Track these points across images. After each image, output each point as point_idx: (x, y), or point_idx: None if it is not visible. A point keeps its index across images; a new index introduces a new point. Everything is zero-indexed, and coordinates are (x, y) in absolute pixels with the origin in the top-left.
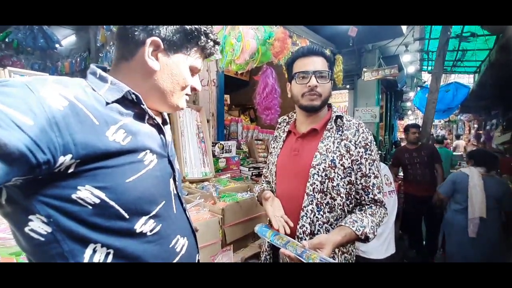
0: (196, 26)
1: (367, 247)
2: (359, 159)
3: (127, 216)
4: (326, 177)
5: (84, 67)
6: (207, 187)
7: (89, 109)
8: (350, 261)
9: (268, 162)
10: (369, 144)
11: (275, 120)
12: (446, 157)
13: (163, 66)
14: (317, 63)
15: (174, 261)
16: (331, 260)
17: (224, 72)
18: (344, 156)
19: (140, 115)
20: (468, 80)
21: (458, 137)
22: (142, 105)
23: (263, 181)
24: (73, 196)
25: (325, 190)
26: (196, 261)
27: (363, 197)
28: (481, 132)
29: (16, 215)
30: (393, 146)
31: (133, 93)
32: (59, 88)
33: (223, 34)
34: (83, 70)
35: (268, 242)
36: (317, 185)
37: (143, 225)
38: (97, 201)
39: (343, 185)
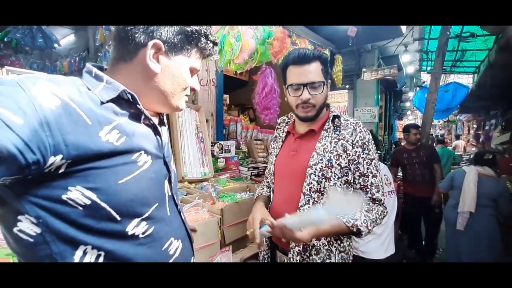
0: (197, 28)
1: (367, 248)
2: (356, 159)
3: (119, 218)
4: (323, 177)
5: (83, 67)
6: (206, 187)
7: (82, 109)
8: (347, 260)
9: (268, 163)
10: (366, 143)
11: (275, 120)
12: (448, 157)
13: (164, 68)
14: (310, 73)
15: None
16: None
17: (223, 71)
18: (341, 156)
19: (136, 115)
20: (467, 80)
21: (457, 137)
22: (138, 105)
23: (264, 184)
24: (64, 197)
25: (322, 189)
26: None
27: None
28: (480, 132)
29: (4, 215)
30: (394, 146)
31: (129, 93)
32: (51, 87)
33: (222, 33)
34: (82, 69)
35: (266, 241)
36: (314, 185)
37: (135, 227)
38: (88, 202)
39: (340, 184)
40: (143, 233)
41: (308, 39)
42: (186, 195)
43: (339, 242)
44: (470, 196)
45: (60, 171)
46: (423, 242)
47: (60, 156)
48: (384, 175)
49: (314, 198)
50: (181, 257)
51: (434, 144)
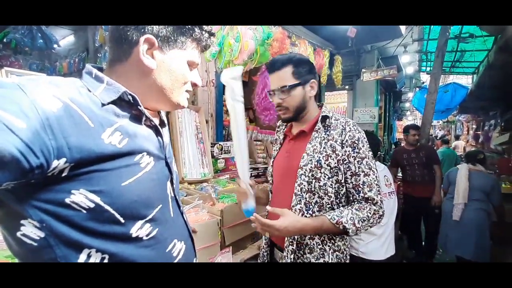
0: None
1: (367, 249)
2: (346, 158)
3: (123, 221)
4: (313, 177)
5: (82, 67)
6: (206, 188)
7: (84, 111)
8: (343, 260)
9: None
10: (356, 142)
11: (274, 120)
12: (452, 158)
13: (160, 63)
14: (279, 79)
15: None
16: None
17: None
18: (330, 156)
19: (137, 117)
20: (466, 80)
21: (457, 137)
22: (139, 106)
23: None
24: (67, 200)
25: (312, 189)
26: None
27: (354, 196)
28: (479, 132)
29: (7, 219)
30: (393, 147)
31: (130, 94)
32: (52, 89)
33: (222, 34)
34: (82, 70)
35: (265, 240)
36: (304, 185)
37: (139, 229)
38: (92, 205)
39: (330, 184)
40: (147, 235)
41: (308, 40)
42: (186, 196)
43: (332, 241)
44: (463, 188)
45: (63, 174)
46: (423, 243)
47: (64, 159)
48: (385, 176)
49: (306, 198)
50: (184, 259)
51: (436, 145)
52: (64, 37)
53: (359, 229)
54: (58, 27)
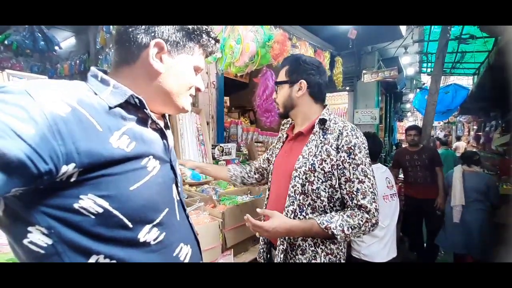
0: (198, 26)
1: (369, 251)
2: (341, 164)
3: (131, 225)
4: (306, 180)
5: (83, 69)
6: (207, 190)
7: (92, 115)
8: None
9: (264, 156)
10: (352, 148)
11: (275, 122)
12: (450, 160)
13: (168, 67)
14: (279, 75)
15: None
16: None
17: (224, 74)
18: (325, 161)
19: (143, 120)
20: (467, 82)
21: (458, 138)
22: (145, 110)
23: (246, 165)
24: (75, 206)
25: (306, 192)
26: None
27: (348, 202)
28: (480, 133)
29: (14, 226)
30: (394, 148)
31: (137, 97)
32: (60, 93)
33: (223, 36)
34: (83, 72)
35: (263, 239)
36: (298, 187)
37: (147, 234)
38: (100, 210)
39: (324, 188)
40: (154, 240)
41: (308, 41)
42: (187, 198)
43: (325, 244)
44: (458, 190)
45: (72, 179)
46: (425, 245)
47: (73, 164)
48: (386, 177)
49: (299, 200)
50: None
51: (435, 146)
52: (65, 39)
53: (348, 236)
54: (59, 29)
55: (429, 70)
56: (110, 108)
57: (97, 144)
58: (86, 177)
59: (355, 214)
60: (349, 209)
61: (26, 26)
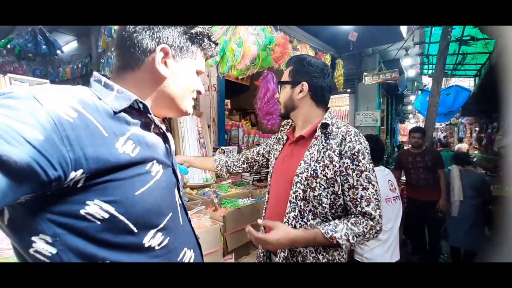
0: (200, 30)
1: (372, 254)
2: (344, 170)
3: (136, 230)
4: (308, 186)
5: (85, 73)
6: (208, 193)
7: (98, 120)
8: None
9: (259, 150)
10: (356, 154)
11: (277, 124)
12: (450, 161)
13: (172, 72)
14: (284, 75)
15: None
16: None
17: (225, 77)
18: (328, 167)
19: (146, 124)
20: (468, 83)
21: (460, 140)
22: (149, 114)
23: (232, 155)
24: (82, 212)
25: (307, 198)
26: None
27: (352, 209)
28: (482, 135)
29: (19, 235)
30: (396, 150)
31: (141, 102)
32: (67, 99)
33: (224, 39)
34: (85, 76)
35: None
36: (299, 193)
37: (151, 238)
38: (106, 215)
39: (326, 195)
40: (159, 245)
41: (309, 44)
42: (188, 201)
43: (327, 251)
44: (456, 187)
45: (79, 185)
46: (427, 247)
47: (81, 170)
48: (389, 180)
49: (300, 206)
50: None
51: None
52: (67, 43)
53: (353, 244)
54: (61, 33)
55: (430, 72)
56: (115, 113)
57: (103, 150)
58: (92, 183)
59: (359, 221)
60: (353, 216)
61: (29, 30)
